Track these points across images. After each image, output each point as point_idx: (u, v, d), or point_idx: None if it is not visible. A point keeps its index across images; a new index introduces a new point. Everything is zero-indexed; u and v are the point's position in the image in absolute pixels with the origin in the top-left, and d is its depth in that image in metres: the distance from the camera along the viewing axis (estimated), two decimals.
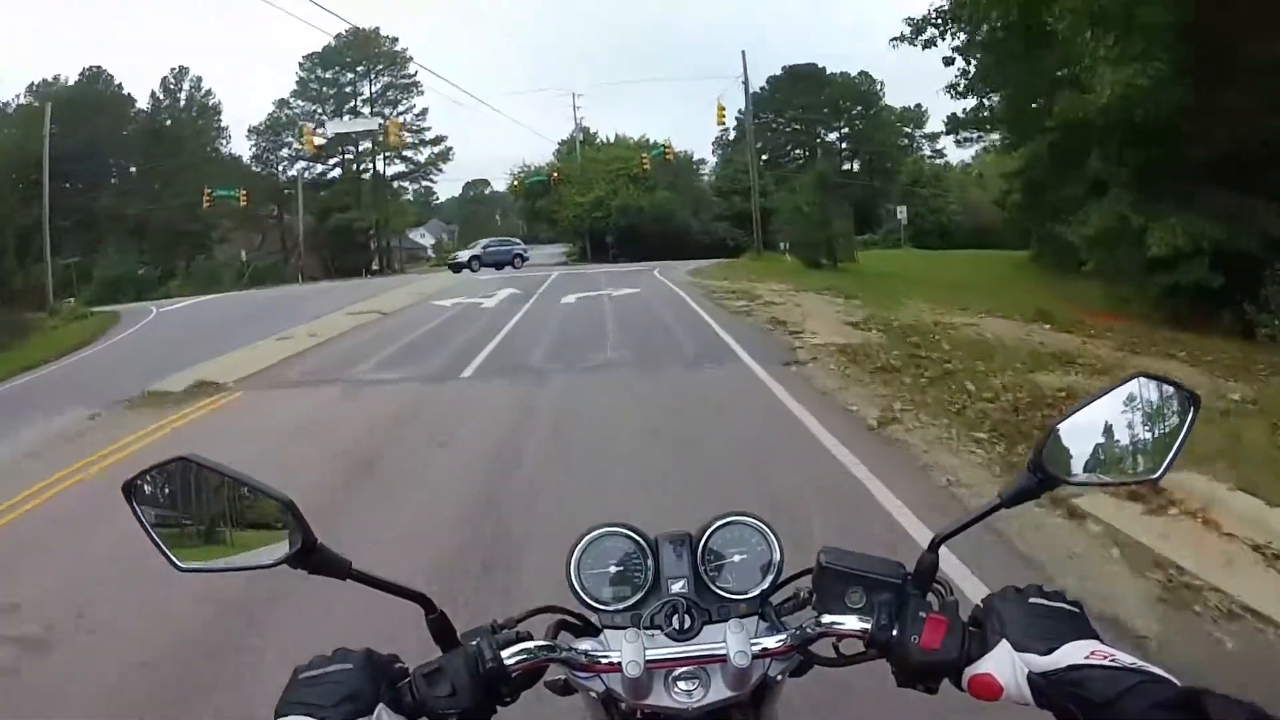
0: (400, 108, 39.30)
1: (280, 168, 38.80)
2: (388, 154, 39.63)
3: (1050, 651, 0.52)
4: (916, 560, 0.62)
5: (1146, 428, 0.62)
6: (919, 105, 44.34)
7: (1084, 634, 0.53)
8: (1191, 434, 0.61)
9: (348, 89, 38.73)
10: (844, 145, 45.19)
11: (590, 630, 0.67)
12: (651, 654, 0.59)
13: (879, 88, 44.15)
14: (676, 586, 0.66)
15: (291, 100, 38.38)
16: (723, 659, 0.59)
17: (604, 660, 0.60)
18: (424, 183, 43.50)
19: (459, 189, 58.30)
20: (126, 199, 33.88)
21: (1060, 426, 0.60)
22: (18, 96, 32.57)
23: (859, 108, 43.91)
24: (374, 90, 38.93)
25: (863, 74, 43.66)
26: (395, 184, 41.70)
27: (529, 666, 0.60)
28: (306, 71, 38.25)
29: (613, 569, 0.68)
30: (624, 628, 0.63)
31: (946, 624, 0.56)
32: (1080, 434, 0.60)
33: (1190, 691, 0.46)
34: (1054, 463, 0.60)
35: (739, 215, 35.36)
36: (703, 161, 46.13)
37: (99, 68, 35.02)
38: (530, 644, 0.60)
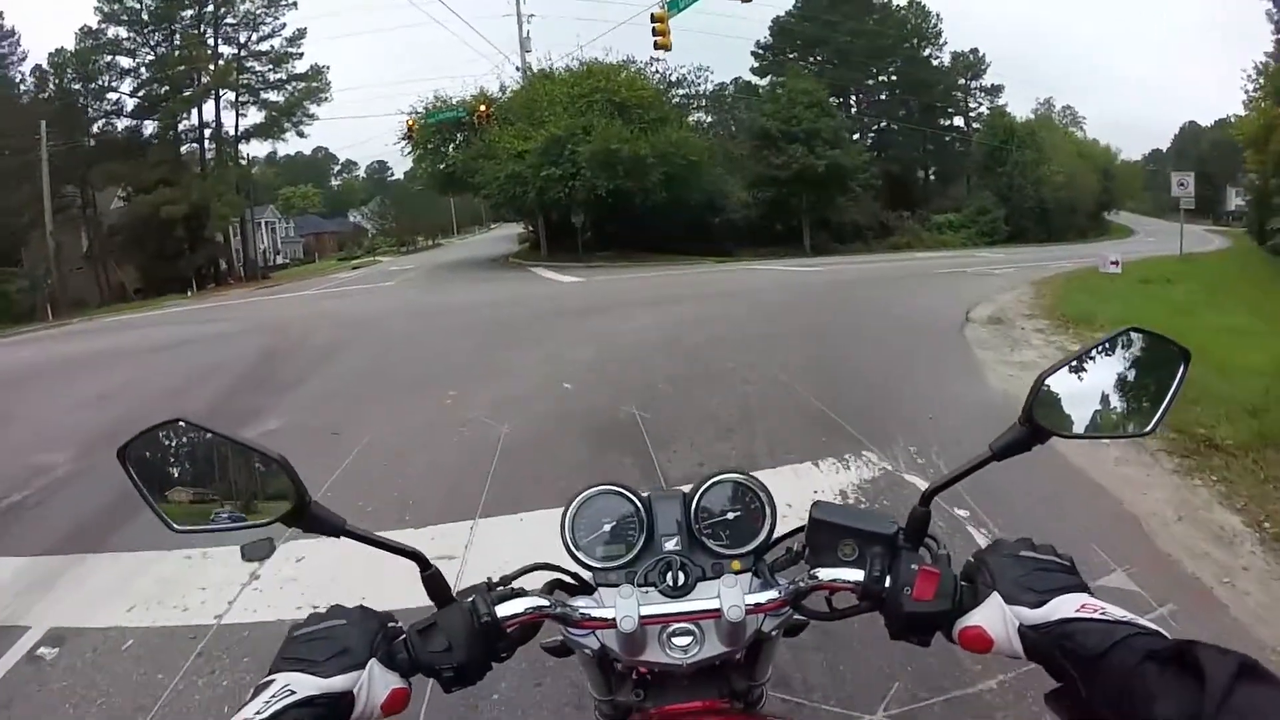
0: (263, 30, 38.15)
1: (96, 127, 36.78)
2: (242, 97, 38.13)
3: (1041, 604, 0.73)
4: (908, 514, 0.85)
5: (1138, 381, 0.87)
6: (975, 50, 46.17)
7: (1074, 587, 0.75)
8: (1182, 389, 0.86)
9: (185, 9, 36.83)
10: (884, 95, 45.88)
11: (585, 589, 0.91)
12: (646, 610, 0.82)
13: (934, 23, 44.94)
14: (670, 544, 0.91)
15: (103, 28, 36.33)
16: (716, 614, 0.81)
17: (598, 617, 0.83)
18: (292, 134, 41.53)
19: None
20: None
21: (1050, 379, 0.84)
22: None
23: (908, 44, 44.35)
24: (217, 3, 37.06)
25: (915, 3, 44.52)
26: (249, 143, 40.27)
27: (524, 622, 0.83)
28: None
29: (606, 528, 0.92)
30: (618, 585, 0.86)
31: (939, 576, 0.79)
32: (1071, 387, 0.85)
33: (1181, 644, 0.64)
34: (1045, 415, 0.83)
35: (799, 179, 30.86)
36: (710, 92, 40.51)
37: None
38: (525, 600, 0.83)
